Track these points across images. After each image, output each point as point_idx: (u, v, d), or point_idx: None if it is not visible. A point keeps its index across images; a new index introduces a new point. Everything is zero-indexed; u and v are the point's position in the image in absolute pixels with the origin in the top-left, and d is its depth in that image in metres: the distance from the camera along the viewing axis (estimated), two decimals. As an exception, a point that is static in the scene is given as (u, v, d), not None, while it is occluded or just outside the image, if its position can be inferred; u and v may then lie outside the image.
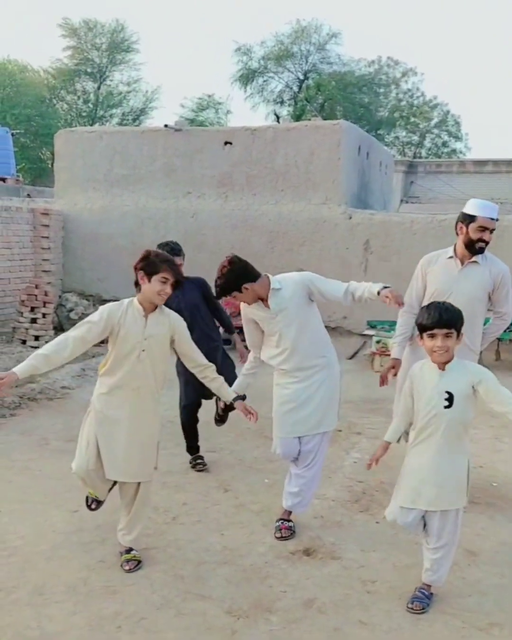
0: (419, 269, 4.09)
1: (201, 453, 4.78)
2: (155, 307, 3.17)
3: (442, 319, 2.77)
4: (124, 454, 3.14)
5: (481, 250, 3.86)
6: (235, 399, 3.39)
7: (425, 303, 4.00)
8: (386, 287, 3.41)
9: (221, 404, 4.86)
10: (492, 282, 3.91)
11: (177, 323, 3.24)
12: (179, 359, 4.57)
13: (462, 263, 3.92)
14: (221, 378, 3.40)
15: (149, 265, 3.09)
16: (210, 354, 4.58)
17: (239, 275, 3.44)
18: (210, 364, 3.38)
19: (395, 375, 4.13)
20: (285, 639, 2.71)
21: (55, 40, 43.80)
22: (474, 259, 3.90)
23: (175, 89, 51.43)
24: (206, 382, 3.38)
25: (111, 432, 3.14)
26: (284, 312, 3.47)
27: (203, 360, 3.35)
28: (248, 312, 3.60)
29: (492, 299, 3.98)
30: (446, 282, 3.91)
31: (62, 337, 3.07)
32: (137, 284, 3.15)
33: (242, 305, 3.60)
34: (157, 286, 3.08)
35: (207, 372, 3.36)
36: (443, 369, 2.84)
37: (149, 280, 3.08)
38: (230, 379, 4.58)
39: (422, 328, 2.83)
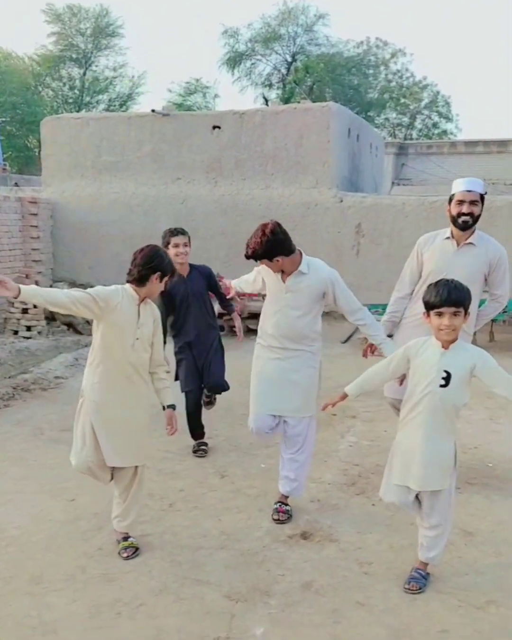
0: (416, 249, 4.07)
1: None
2: (145, 299, 3.19)
3: (451, 297, 2.74)
4: (121, 440, 3.17)
5: (464, 224, 3.84)
6: (168, 406, 3.33)
7: (419, 284, 4.00)
8: (384, 343, 3.56)
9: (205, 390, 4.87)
10: (488, 263, 3.89)
11: (157, 315, 3.29)
12: (178, 345, 4.58)
13: (459, 244, 3.90)
14: (167, 382, 3.37)
15: (168, 267, 3.16)
16: (208, 344, 4.59)
17: (276, 246, 3.43)
18: (167, 365, 3.43)
19: (372, 352, 4.12)
20: (284, 622, 2.73)
21: (39, 26, 43.25)
22: (470, 240, 3.88)
23: (162, 74, 50.93)
24: (155, 380, 3.34)
25: (106, 419, 3.15)
26: (295, 294, 3.52)
27: (163, 360, 3.37)
28: (264, 276, 3.69)
29: (488, 281, 3.96)
30: (442, 262, 3.89)
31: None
32: (141, 280, 3.10)
33: (262, 268, 3.65)
34: (162, 286, 3.18)
35: (161, 373, 3.34)
36: (446, 348, 2.83)
37: (161, 281, 3.15)
38: (218, 373, 4.58)
39: (429, 306, 2.80)
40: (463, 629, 2.69)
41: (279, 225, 3.49)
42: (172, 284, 4.45)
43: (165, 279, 3.17)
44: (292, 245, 3.50)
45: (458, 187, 3.88)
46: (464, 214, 3.81)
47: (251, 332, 3.77)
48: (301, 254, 3.53)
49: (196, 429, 4.71)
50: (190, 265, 4.56)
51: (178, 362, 4.65)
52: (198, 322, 4.55)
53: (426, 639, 2.63)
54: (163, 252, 3.21)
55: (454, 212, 3.85)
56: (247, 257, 3.52)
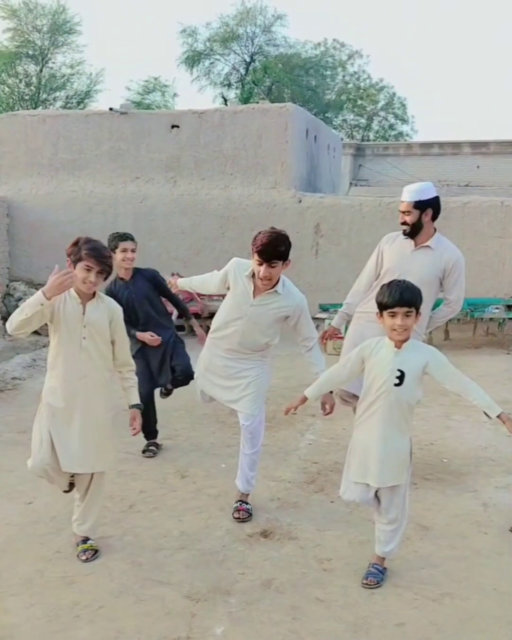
0: (378, 246, 4.16)
1: (159, 439, 4.77)
2: (93, 295, 3.11)
3: (403, 297, 2.81)
4: (78, 445, 3.10)
5: (404, 233, 3.98)
6: (132, 406, 3.30)
7: (377, 281, 4.06)
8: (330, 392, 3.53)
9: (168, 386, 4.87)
10: (442, 267, 3.94)
11: (115, 310, 3.20)
12: (137, 346, 4.55)
13: (416, 245, 3.98)
14: (134, 381, 3.34)
15: (74, 252, 3.02)
16: (164, 343, 4.59)
17: (289, 249, 3.42)
18: (133, 365, 3.35)
19: (327, 339, 4.30)
20: (244, 620, 2.75)
21: (-6, 20, 42.21)
22: (428, 243, 3.96)
23: (121, 72, 50.24)
24: (120, 379, 3.32)
25: (62, 424, 3.10)
26: (261, 310, 3.49)
27: (129, 360, 3.32)
28: (233, 278, 3.54)
29: (443, 285, 4.02)
30: (398, 261, 3.97)
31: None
32: None
33: (234, 265, 3.56)
34: (81, 274, 2.99)
35: (126, 373, 3.31)
36: (399, 348, 2.89)
37: (75, 268, 3.01)
38: (184, 361, 4.59)
39: (382, 306, 2.86)
40: (419, 622, 2.76)
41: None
42: (115, 288, 4.49)
43: (80, 265, 2.97)
44: None
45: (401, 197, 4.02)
46: (402, 223, 3.97)
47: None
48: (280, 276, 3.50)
49: (146, 429, 4.59)
50: (135, 270, 4.57)
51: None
52: (146, 324, 4.55)
53: (384, 633, 2.69)
54: (82, 239, 3.06)
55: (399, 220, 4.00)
56: (269, 255, 3.30)
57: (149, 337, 4.47)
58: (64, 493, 3.40)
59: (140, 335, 4.48)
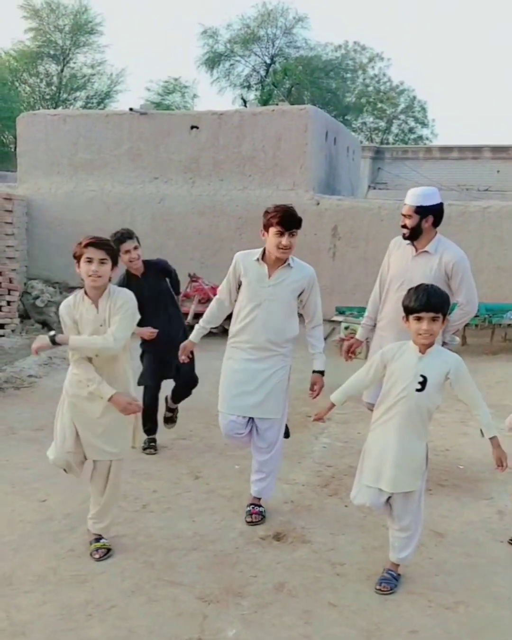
0: (388, 250, 4.13)
1: (172, 440, 4.78)
2: (102, 292, 3.10)
3: (430, 302, 2.78)
4: (101, 434, 3.15)
5: (404, 237, 3.94)
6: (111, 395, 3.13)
7: (386, 288, 4.04)
8: (320, 372, 3.65)
9: (169, 403, 4.85)
10: (443, 272, 3.84)
11: (123, 296, 3.12)
12: (143, 339, 4.50)
13: (417, 250, 3.93)
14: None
15: (74, 251, 3.05)
16: (173, 337, 4.43)
17: (299, 222, 3.45)
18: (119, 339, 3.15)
19: (350, 352, 4.18)
20: (256, 623, 2.73)
21: (17, 21, 42.71)
22: (426, 247, 3.89)
23: (141, 72, 50.58)
24: None
25: (86, 413, 3.14)
26: (277, 288, 3.49)
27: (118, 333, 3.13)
28: (243, 268, 3.54)
29: (450, 288, 3.90)
30: (401, 268, 3.94)
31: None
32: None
33: (239, 257, 3.59)
34: (84, 268, 3.01)
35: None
36: (423, 353, 2.86)
37: (79, 265, 3.04)
38: (188, 368, 4.54)
39: (409, 310, 2.83)
40: (433, 630, 2.73)
41: None
42: (131, 286, 4.44)
43: (82, 259, 2.98)
44: None
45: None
46: (402, 226, 3.92)
47: (227, 333, 3.75)
48: None
49: (147, 424, 4.56)
50: (145, 263, 4.49)
51: (141, 355, 4.65)
52: (157, 318, 4.43)
53: (397, 639, 2.66)
54: (80, 241, 3.06)
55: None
56: (286, 224, 3.36)
57: (148, 332, 4.32)
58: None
59: (139, 331, 4.30)
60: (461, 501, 3.99)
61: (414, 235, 3.89)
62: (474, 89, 57.28)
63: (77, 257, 3.04)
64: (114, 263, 3.08)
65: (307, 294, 3.57)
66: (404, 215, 3.90)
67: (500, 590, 3.02)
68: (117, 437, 3.21)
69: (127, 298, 3.15)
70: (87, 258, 2.99)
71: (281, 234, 3.39)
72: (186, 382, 4.69)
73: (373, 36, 53.56)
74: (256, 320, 3.51)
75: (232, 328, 3.66)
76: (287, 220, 3.38)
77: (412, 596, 2.97)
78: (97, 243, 3.01)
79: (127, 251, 4.33)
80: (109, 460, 3.22)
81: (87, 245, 2.99)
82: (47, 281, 10.19)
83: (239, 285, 3.61)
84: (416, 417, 2.89)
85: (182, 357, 3.87)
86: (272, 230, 3.40)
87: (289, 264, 3.51)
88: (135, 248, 4.38)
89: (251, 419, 3.58)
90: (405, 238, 3.94)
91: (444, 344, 4.04)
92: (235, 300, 3.65)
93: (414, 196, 3.90)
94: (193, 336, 3.85)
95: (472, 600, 2.94)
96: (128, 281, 4.46)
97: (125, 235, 4.34)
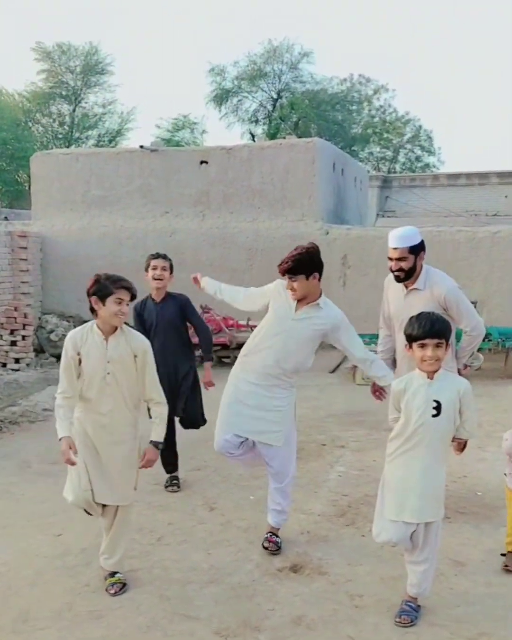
0: (384, 288, 4.14)
1: (187, 471, 4.74)
2: (115, 329, 3.13)
3: (433, 329, 2.81)
4: (106, 478, 3.13)
5: (397, 278, 3.85)
6: (151, 442, 3.22)
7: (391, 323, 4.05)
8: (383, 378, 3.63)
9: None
10: (437, 304, 3.80)
11: (139, 345, 3.16)
12: None
13: (407, 288, 3.90)
14: (160, 417, 3.25)
15: (100, 288, 3.06)
16: (181, 376, 4.42)
17: (316, 262, 3.50)
18: (164, 403, 3.27)
19: (377, 392, 4.03)
20: (274, 657, 2.69)
21: (30, 63, 43.95)
22: (414, 285, 3.85)
23: (151, 110, 51.87)
24: (151, 412, 3.32)
25: (92, 455, 3.14)
26: (302, 324, 3.50)
27: (160, 398, 3.25)
28: (277, 294, 3.62)
29: (451, 317, 3.82)
30: (397, 305, 3.94)
31: (59, 397, 3.10)
32: (92, 309, 3.11)
33: (277, 283, 3.65)
34: (113, 308, 3.04)
35: (154, 406, 3.28)
36: (432, 379, 2.87)
37: (104, 304, 3.05)
38: (193, 410, 4.49)
39: (412, 338, 2.86)
40: (455, 662, 2.67)
41: (318, 249, 3.57)
42: (143, 307, 4.45)
43: (111, 299, 3.02)
44: (321, 274, 3.55)
45: (389, 241, 3.86)
46: (394, 271, 3.84)
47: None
48: (321, 292, 3.57)
49: (168, 459, 4.53)
50: (168, 293, 4.52)
51: None
52: (167, 350, 4.36)
53: (418, 672, 2.60)
54: (102, 275, 3.12)
55: (389, 267, 3.88)
56: (284, 270, 3.46)
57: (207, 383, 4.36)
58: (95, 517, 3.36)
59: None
60: (480, 528, 3.92)
61: (409, 276, 3.83)
62: (479, 116, 57.92)
63: (103, 296, 3.04)
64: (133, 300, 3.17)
65: (334, 336, 3.56)
66: (396, 259, 3.80)
67: (523, 620, 2.95)
68: (121, 479, 3.18)
69: (147, 347, 3.19)
70: (118, 299, 3.04)
71: (289, 279, 3.49)
72: (192, 423, 4.60)
73: (378, 68, 54.54)
74: (271, 349, 3.52)
75: (247, 345, 3.66)
76: (283, 269, 3.47)
77: (434, 628, 2.90)
78: (129, 287, 3.08)
79: (155, 268, 4.40)
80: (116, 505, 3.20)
81: (119, 287, 3.05)
82: (61, 315, 10.30)
83: (265, 306, 3.66)
84: (437, 443, 2.88)
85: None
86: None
87: (318, 304, 3.52)
88: (164, 268, 4.42)
89: (246, 439, 3.55)
90: (399, 281, 3.86)
91: (466, 367, 4.02)
92: (250, 306, 3.79)
93: (404, 238, 3.81)
94: (208, 281, 4.02)
95: (495, 631, 2.88)
96: (145, 305, 4.48)
97: (161, 254, 4.50)
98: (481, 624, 2.93)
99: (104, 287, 3.05)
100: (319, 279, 3.52)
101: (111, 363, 3.08)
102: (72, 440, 2.99)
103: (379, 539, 3.01)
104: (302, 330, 3.50)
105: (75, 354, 3.08)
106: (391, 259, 3.83)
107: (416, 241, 3.81)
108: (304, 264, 3.45)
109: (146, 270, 4.43)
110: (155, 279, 4.41)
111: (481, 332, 3.97)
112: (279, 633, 2.86)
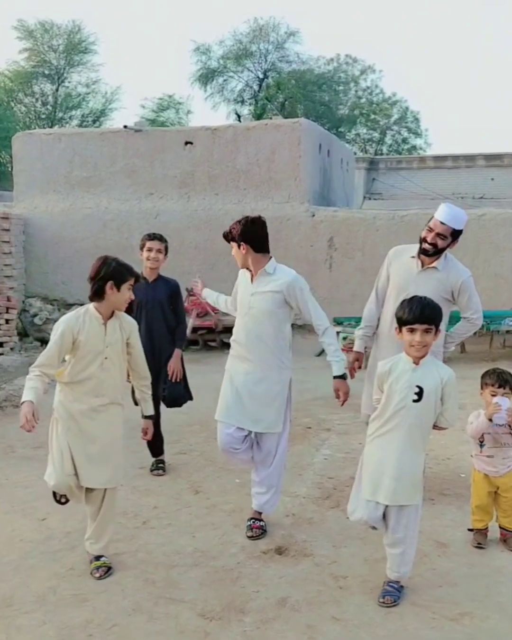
0: (386, 260, 4.04)
1: (173, 455, 4.73)
2: (113, 314, 3.13)
3: (423, 314, 2.80)
4: (97, 461, 3.12)
5: (425, 251, 3.79)
6: (146, 417, 3.42)
7: (387, 298, 4.00)
8: (340, 376, 3.55)
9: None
10: (450, 290, 3.80)
11: (132, 327, 3.23)
12: None
13: (423, 265, 3.85)
14: (149, 394, 3.41)
15: (118, 274, 3.06)
16: (165, 357, 4.42)
17: (250, 234, 3.51)
18: (150, 378, 3.41)
19: (359, 367, 4.10)
20: (258, 639, 2.71)
21: (11, 42, 43.12)
22: (434, 264, 3.81)
23: (135, 90, 51.19)
24: (136, 391, 3.42)
25: (81, 440, 3.11)
26: (260, 296, 3.52)
27: (146, 373, 3.36)
28: (239, 279, 3.72)
29: (457, 305, 3.90)
30: (405, 280, 3.85)
31: (34, 371, 3.05)
32: (97, 293, 3.06)
33: (241, 271, 3.69)
34: (126, 294, 3.08)
35: (142, 385, 3.37)
36: (417, 364, 2.87)
37: (119, 290, 3.05)
38: (177, 387, 4.48)
39: (402, 322, 2.85)
40: (437, 641, 2.70)
41: (264, 222, 3.59)
42: (136, 287, 4.41)
43: (125, 285, 3.07)
44: (267, 246, 3.57)
45: (438, 213, 3.78)
46: (428, 242, 3.76)
47: (226, 346, 3.74)
48: (271, 258, 3.58)
49: (154, 442, 4.47)
50: (160, 276, 4.54)
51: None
52: (153, 331, 4.41)
53: (401, 652, 2.63)
54: (112, 259, 3.11)
55: (423, 234, 3.78)
56: (224, 236, 3.60)
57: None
58: (66, 500, 3.35)
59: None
60: (463, 510, 3.95)
61: (435, 254, 3.79)
62: (466, 97, 57.78)
63: (119, 282, 3.06)
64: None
65: (294, 301, 3.53)
66: (437, 233, 3.72)
67: (504, 600, 2.99)
68: (111, 461, 3.17)
69: (134, 327, 3.24)
70: (130, 285, 3.11)
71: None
72: (173, 400, 4.59)
73: (365, 49, 54.10)
74: (245, 327, 3.57)
75: (231, 340, 3.72)
76: (223, 236, 3.61)
77: (416, 608, 2.94)
78: (137, 274, 3.19)
79: (149, 249, 4.41)
80: (103, 488, 3.19)
81: (134, 275, 3.13)
82: (45, 299, 10.21)
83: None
84: (415, 429, 2.88)
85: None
86: None
87: (265, 270, 3.53)
88: (158, 250, 4.43)
89: (250, 432, 3.57)
90: (426, 254, 3.78)
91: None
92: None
93: (456, 219, 3.74)
94: (208, 293, 4.13)
95: (477, 611, 2.91)
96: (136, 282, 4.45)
97: (157, 236, 4.50)
98: (462, 603, 2.97)
99: (121, 273, 3.07)
100: (255, 251, 3.52)
101: (109, 348, 3.09)
102: (36, 408, 2.91)
103: (352, 517, 3.06)
104: (263, 301, 3.52)
105: (71, 339, 3.04)
106: (431, 230, 3.75)
107: (463, 227, 3.80)
108: (232, 233, 3.53)
109: (141, 249, 4.45)
110: (149, 260, 4.44)
111: (479, 322, 3.99)
112: (264, 615, 2.87)
